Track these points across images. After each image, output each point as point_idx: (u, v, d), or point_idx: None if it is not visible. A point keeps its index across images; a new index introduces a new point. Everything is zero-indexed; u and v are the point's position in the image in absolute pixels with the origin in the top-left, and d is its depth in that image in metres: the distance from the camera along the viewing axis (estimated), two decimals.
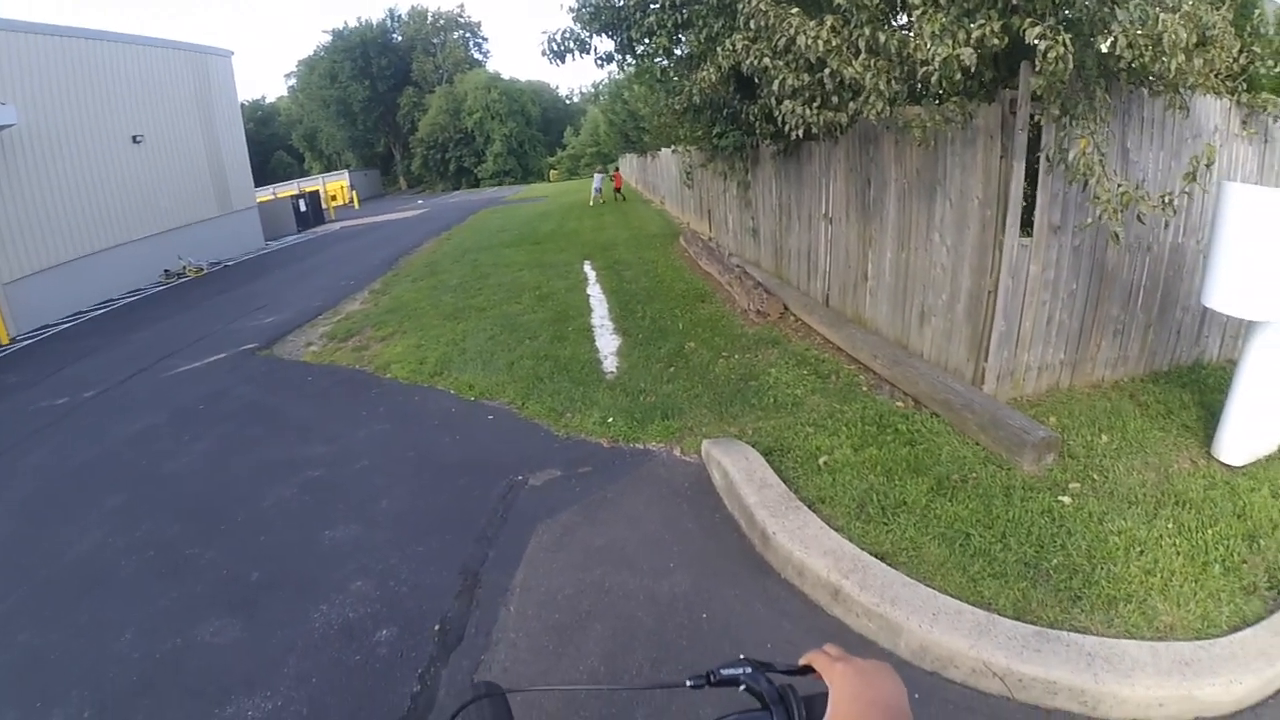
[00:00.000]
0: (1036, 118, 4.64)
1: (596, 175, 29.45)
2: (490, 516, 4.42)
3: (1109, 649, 2.87)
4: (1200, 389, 5.29)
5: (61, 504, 5.38)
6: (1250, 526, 3.67)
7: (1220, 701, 2.71)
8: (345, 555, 4.16)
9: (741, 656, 0.99)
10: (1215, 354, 6.00)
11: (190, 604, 3.86)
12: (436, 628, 3.43)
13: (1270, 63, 5.33)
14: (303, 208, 30.78)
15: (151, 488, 5.45)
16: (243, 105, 28.14)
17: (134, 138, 18.20)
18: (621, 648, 3.20)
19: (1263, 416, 4.27)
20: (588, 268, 12.71)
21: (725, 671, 0.98)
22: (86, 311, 14.82)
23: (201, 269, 18.80)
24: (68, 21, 16.47)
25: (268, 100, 72.33)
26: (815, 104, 5.36)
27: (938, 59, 4.14)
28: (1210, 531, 3.61)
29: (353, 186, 50.82)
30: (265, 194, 34.56)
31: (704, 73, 6.57)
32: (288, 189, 43.16)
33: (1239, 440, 4.29)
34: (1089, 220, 4.57)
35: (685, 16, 6.99)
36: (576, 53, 7.70)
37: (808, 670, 0.95)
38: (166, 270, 18.31)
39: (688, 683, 1.00)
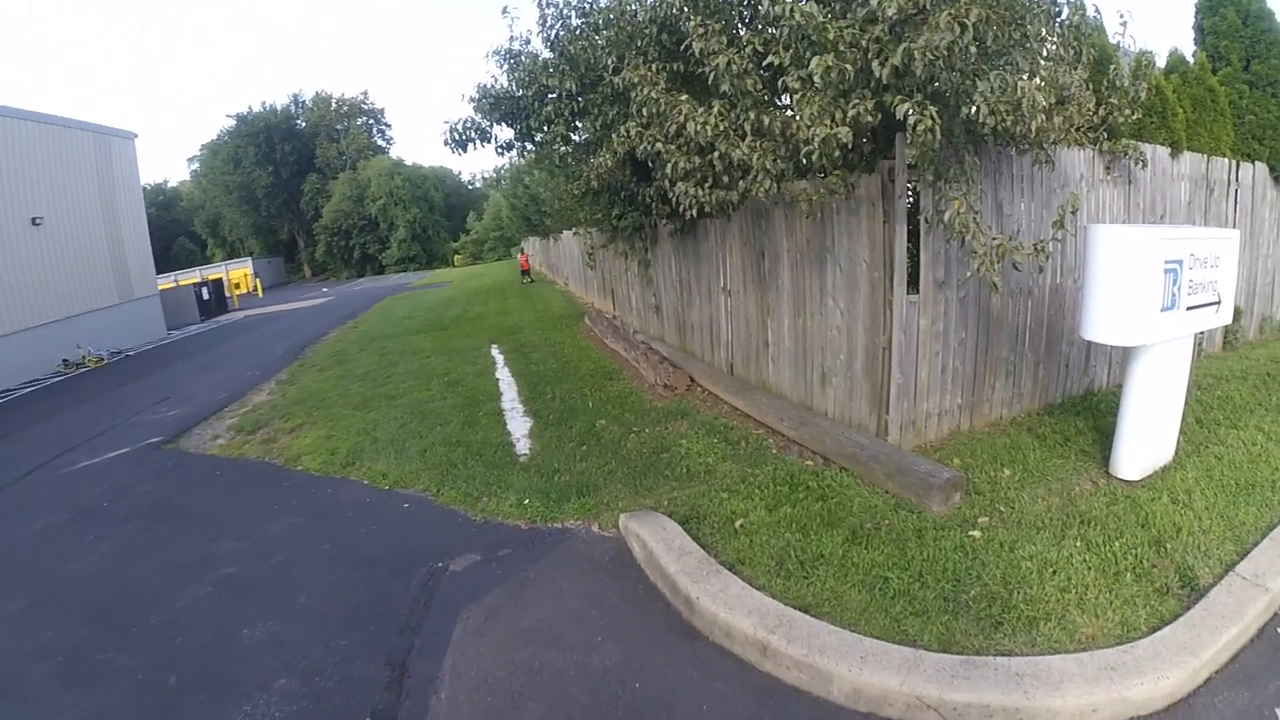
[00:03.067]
0: (914, 183, 4.99)
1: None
2: (413, 605, 4.35)
3: (1035, 666, 3.04)
4: (1093, 415, 5.70)
5: None
6: (1155, 533, 3.96)
7: (1152, 698, 2.90)
8: (267, 653, 4.02)
9: None
10: (1104, 381, 6.47)
11: (105, 713, 3.66)
12: None
13: (1128, 111, 5.86)
14: (205, 296, 29.88)
15: (56, 590, 5.15)
16: (145, 189, 27.40)
17: (33, 220, 17.48)
18: None
19: (1152, 431, 4.66)
20: (495, 351, 12.73)
21: None
22: None
23: (102, 359, 17.94)
24: None
25: (170, 184, 70.74)
26: (707, 184, 5.64)
27: (817, 139, 4.44)
28: (1117, 544, 3.88)
29: (256, 274, 49.82)
30: (167, 281, 33.52)
31: (601, 158, 6.84)
32: (190, 276, 42.09)
33: (1134, 456, 4.66)
34: (969, 273, 4.89)
35: (581, 105, 7.27)
36: (478, 141, 7.86)
37: None
38: (65, 360, 17.43)
39: None
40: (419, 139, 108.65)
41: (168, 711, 3.62)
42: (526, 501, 5.60)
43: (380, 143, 67.64)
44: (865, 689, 3.10)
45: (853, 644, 3.32)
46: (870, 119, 4.47)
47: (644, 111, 5.70)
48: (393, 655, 3.86)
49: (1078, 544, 3.94)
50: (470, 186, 72.62)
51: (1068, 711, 2.86)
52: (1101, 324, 4.45)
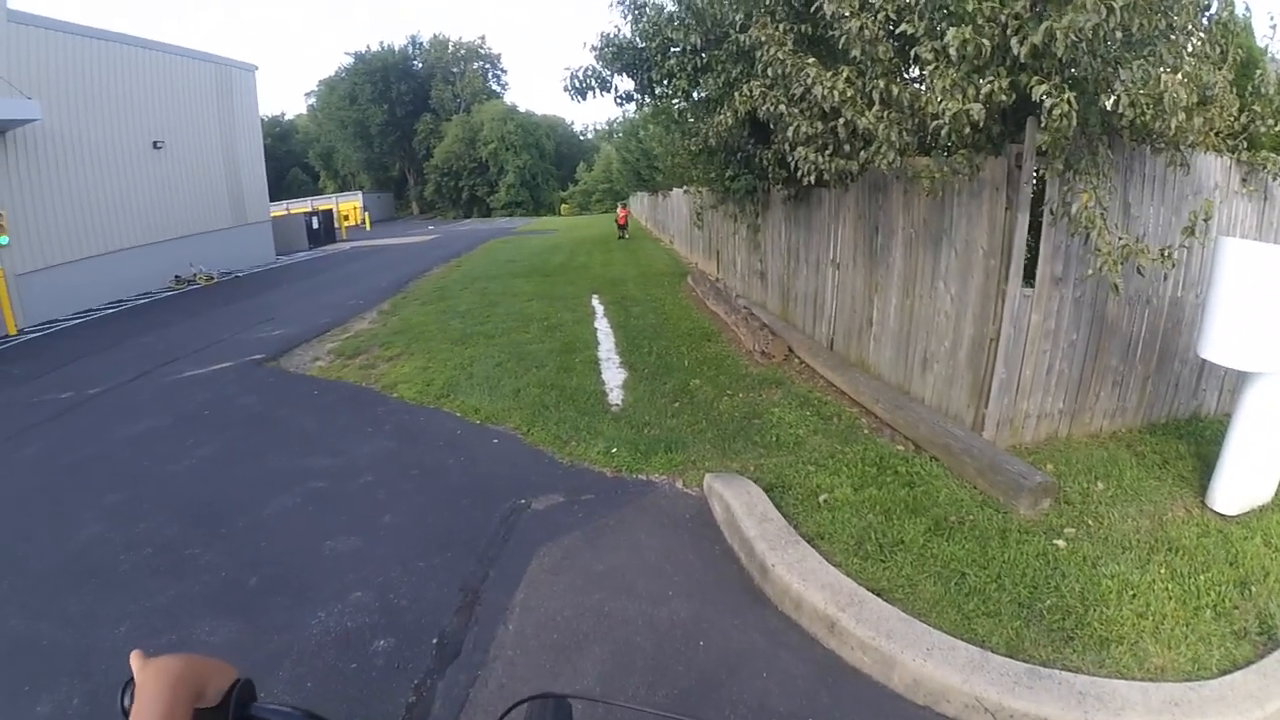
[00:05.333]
0: (1041, 172, 4.77)
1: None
2: (492, 537, 4.46)
3: (1100, 688, 2.92)
4: (1197, 441, 5.38)
5: (60, 497, 5.38)
6: (1242, 573, 3.74)
7: None
8: (345, 566, 4.19)
9: None
10: (1213, 407, 6.08)
11: (187, 603, 3.87)
12: (435, 641, 3.45)
13: (1270, 121, 5.45)
14: (315, 225, 31.01)
15: (152, 488, 5.46)
16: (262, 120, 28.41)
17: (154, 143, 18.39)
18: (619, 670, 3.25)
19: (1257, 467, 4.36)
20: (595, 301, 12.80)
21: None
22: (96, 310, 14.93)
23: (212, 278, 18.95)
24: (96, 23, 16.50)
25: (287, 117, 73.35)
26: (828, 151, 5.52)
27: (948, 114, 4.28)
28: (1203, 577, 3.68)
29: (365, 208, 51.28)
30: (279, 209, 34.87)
31: (721, 116, 6.75)
32: (301, 206, 43.50)
33: (1233, 490, 4.38)
34: (1089, 272, 4.66)
35: (705, 61, 7.18)
36: (597, 90, 7.86)
37: None
38: (178, 276, 18.44)
39: None
40: (534, 86, 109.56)
41: (246, 608, 3.81)
42: (614, 450, 5.66)
43: (495, 87, 68.48)
44: (926, 681, 3.05)
45: (921, 634, 3.26)
46: (1004, 98, 4.27)
47: (769, 71, 5.59)
48: (467, 582, 3.97)
49: (1162, 571, 3.76)
50: (582, 137, 73.02)
51: None
52: (1220, 343, 4.17)
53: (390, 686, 3.17)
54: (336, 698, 3.12)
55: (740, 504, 4.44)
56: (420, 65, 65.51)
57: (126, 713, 0.80)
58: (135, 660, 0.84)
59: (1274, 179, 5.68)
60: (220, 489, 5.40)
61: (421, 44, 66.25)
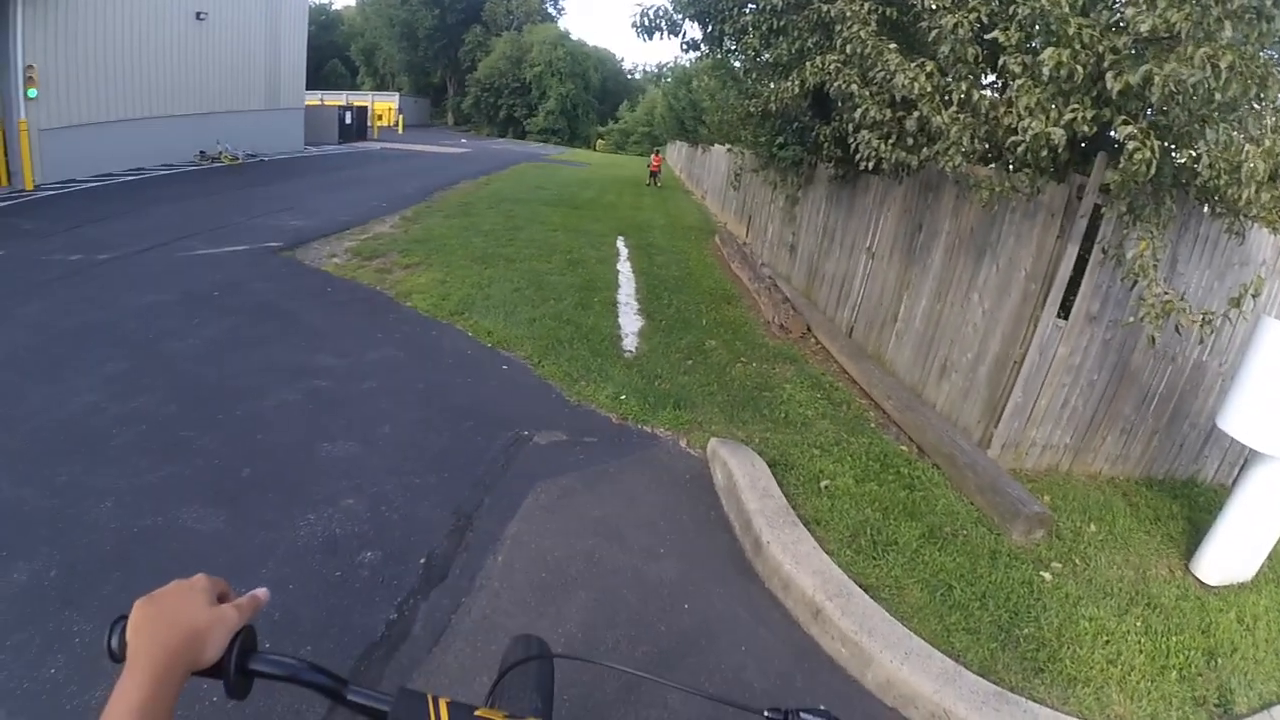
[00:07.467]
0: (1101, 209, 4.70)
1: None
2: (490, 465, 4.45)
3: None
4: (1191, 504, 5.37)
5: (58, 361, 5.24)
6: (1212, 644, 3.76)
7: None
8: (340, 471, 4.15)
9: (822, 708, 0.96)
10: (1211, 475, 6.05)
11: (177, 486, 3.80)
12: (422, 561, 3.44)
13: None
14: (348, 120, 30.68)
15: (153, 363, 5.35)
16: (309, 6, 27.90)
17: (198, 14, 17.91)
18: (602, 620, 3.26)
19: (1246, 544, 4.35)
20: (621, 244, 12.64)
21: (805, 715, 0.95)
22: (116, 175, 14.62)
23: (237, 158, 18.62)
24: None
25: (334, 6, 72.11)
26: (891, 140, 5.40)
27: (1029, 132, 4.17)
28: (1174, 639, 3.70)
29: (400, 110, 50.68)
30: (313, 99, 34.29)
31: (787, 83, 6.57)
32: (336, 99, 42.85)
33: (1219, 562, 4.38)
34: (1129, 319, 4.61)
35: (781, 24, 6.95)
36: (665, 32, 7.68)
37: None
38: (202, 152, 18.13)
39: (765, 713, 0.96)
40: (589, 16, 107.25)
41: (235, 500, 3.76)
42: (623, 397, 5.63)
43: (550, 10, 67.42)
44: (899, 684, 3.08)
45: (901, 637, 3.28)
46: (1085, 129, 4.16)
47: (847, 48, 5.44)
48: (461, 507, 3.96)
49: (1138, 623, 3.79)
50: (630, 76, 72.15)
51: None
52: (1243, 420, 4.14)
53: (373, 600, 3.15)
54: (316, 603, 3.09)
55: (744, 474, 4.43)
56: None
57: (112, 653, 0.76)
58: (136, 610, 0.77)
59: None
60: (221, 374, 5.31)
61: None
